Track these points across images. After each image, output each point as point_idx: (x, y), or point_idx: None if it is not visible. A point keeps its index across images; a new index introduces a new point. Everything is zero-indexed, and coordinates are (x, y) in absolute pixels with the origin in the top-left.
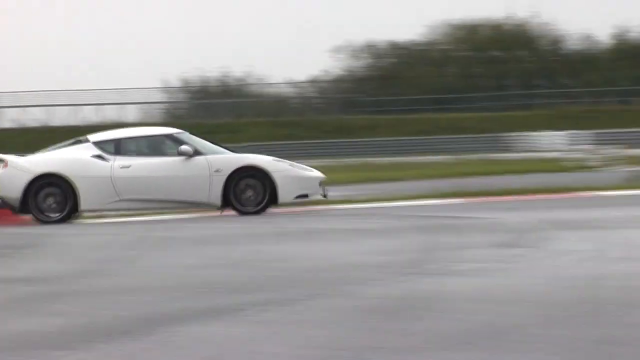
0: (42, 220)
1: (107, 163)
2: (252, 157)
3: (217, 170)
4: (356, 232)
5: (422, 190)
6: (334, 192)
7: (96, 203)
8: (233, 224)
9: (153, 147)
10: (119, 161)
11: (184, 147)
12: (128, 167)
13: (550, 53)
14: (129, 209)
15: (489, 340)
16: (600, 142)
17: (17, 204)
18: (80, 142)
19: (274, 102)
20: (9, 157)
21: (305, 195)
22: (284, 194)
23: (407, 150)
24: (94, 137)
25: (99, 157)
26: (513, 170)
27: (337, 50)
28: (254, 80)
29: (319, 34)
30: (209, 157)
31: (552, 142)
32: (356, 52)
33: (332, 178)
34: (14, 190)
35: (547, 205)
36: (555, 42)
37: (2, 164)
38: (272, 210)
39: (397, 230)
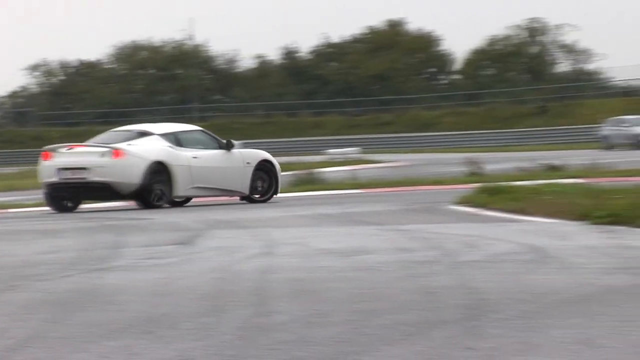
0: (153, 206)
1: (182, 153)
2: (263, 152)
3: (248, 163)
4: (45, 233)
5: None
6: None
7: (182, 190)
8: None
9: (197, 140)
10: (186, 152)
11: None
12: (197, 157)
13: (226, 71)
14: (192, 196)
15: (144, 329)
16: (274, 150)
17: (130, 189)
18: (145, 134)
19: None
20: (123, 146)
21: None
22: (281, 186)
23: None
24: (155, 130)
25: (171, 147)
26: None
27: (28, 67)
28: None
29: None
30: (241, 150)
31: None
32: (34, 69)
33: (23, 184)
34: (134, 176)
35: (215, 207)
36: (231, 61)
37: (111, 153)
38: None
39: (82, 230)
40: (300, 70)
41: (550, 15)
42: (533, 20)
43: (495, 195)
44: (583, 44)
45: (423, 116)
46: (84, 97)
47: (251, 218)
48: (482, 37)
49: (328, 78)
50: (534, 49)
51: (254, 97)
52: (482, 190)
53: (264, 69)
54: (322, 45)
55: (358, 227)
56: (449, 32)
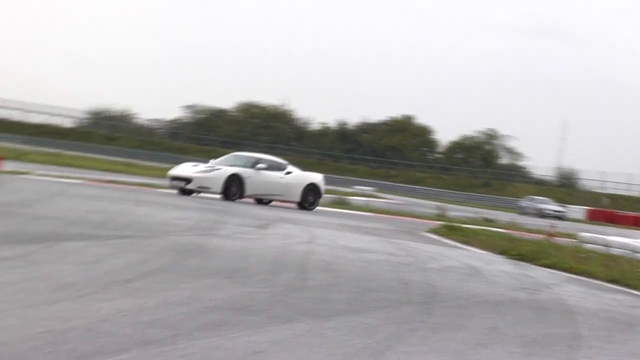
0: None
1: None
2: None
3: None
4: (176, 207)
5: None
6: None
7: None
8: None
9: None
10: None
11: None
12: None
13: (301, 127)
14: None
15: (227, 275)
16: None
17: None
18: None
19: None
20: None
21: None
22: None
23: None
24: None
25: None
26: None
27: (183, 106)
28: None
29: None
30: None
31: None
32: (187, 108)
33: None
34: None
35: (281, 209)
36: (305, 122)
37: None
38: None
39: (198, 209)
40: (346, 135)
41: (500, 127)
42: (489, 129)
43: (451, 231)
44: (518, 148)
45: (416, 175)
46: (215, 130)
47: (302, 219)
48: (457, 134)
49: (362, 143)
50: (488, 146)
51: (315, 147)
52: (444, 227)
53: (324, 131)
54: (361, 123)
55: (365, 236)
56: (439, 125)
